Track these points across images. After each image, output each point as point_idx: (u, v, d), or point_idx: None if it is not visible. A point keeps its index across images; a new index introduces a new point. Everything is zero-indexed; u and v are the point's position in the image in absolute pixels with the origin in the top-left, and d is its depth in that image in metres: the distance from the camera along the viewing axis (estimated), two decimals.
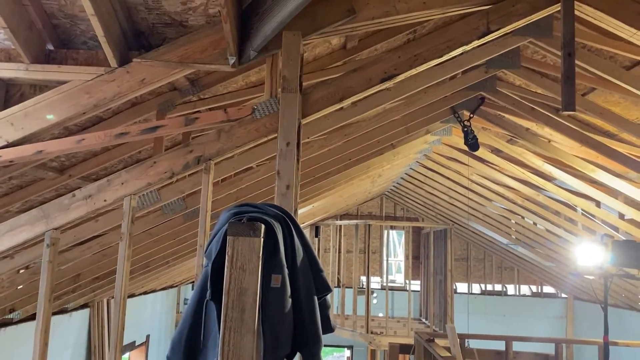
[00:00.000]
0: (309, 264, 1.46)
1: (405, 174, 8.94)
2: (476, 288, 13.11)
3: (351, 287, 10.99)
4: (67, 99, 2.59)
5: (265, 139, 2.60)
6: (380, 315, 11.27)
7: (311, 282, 1.44)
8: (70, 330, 6.45)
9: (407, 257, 12.91)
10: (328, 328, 1.52)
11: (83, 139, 2.57)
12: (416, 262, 12.79)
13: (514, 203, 7.51)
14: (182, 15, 2.60)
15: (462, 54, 2.87)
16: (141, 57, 2.60)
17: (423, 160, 7.49)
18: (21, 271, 4.17)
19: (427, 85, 3.27)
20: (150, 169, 2.56)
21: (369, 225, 9.93)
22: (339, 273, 12.29)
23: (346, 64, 3.64)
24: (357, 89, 2.57)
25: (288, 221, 1.43)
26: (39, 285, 4.68)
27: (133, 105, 3.14)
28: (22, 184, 3.59)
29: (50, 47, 2.77)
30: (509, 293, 12.98)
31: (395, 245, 14.54)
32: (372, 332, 9.33)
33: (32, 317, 5.56)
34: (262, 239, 1.22)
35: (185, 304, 11.75)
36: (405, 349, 4.78)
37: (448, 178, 7.84)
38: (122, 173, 2.57)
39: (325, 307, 1.52)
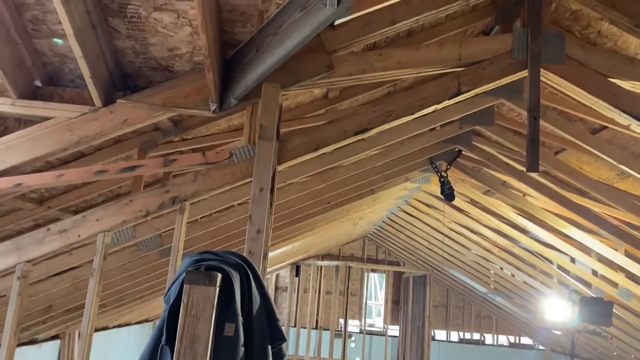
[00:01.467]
0: (266, 312, 1.51)
1: (387, 217, 9.04)
2: (454, 336, 13.05)
3: (329, 329, 10.92)
4: (50, 134, 2.66)
5: (241, 182, 2.67)
6: (357, 359, 11.16)
7: (266, 331, 1.49)
8: None
9: (386, 301, 12.86)
10: None
11: (62, 174, 2.63)
12: (396, 306, 12.74)
13: (491, 252, 7.61)
14: (169, 60, 2.71)
15: (434, 111, 3.00)
16: (125, 99, 2.69)
17: (404, 205, 7.60)
18: None
19: (402, 138, 3.40)
20: (127, 207, 2.62)
21: (350, 267, 9.95)
22: (317, 314, 12.20)
23: (327, 113, 3.77)
24: (332, 139, 2.67)
25: (247, 269, 1.49)
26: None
27: (116, 142, 3.22)
28: (0, 213, 3.61)
29: (38, 83, 2.86)
30: (486, 342, 12.93)
31: (377, 288, 14.51)
32: None
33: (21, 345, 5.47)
34: (217, 288, 1.28)
35: None
36: None
37: (427, 224, 7.94)
38: (98, 210, 2.62)
39: (280, 357, 1.56)
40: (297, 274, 11.93)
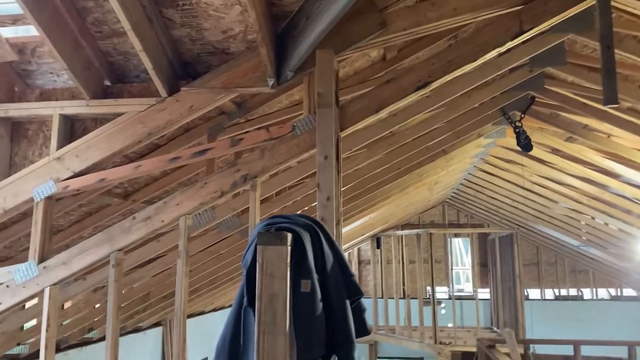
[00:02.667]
0: (340, 269, 1.53)
1: (464, 179, 8.81)
2: (549, 293, 12.59)
3: (416, 298, 10.89)
4: (124, 129, 2.80)
5: (307, 154, 2.70)
6: (449, 325, 11.06)
7: (342, 287, 1.51)
8: (145, 348, 6.78)
9: (473, 265, 12.59)
10: (363, 331, 1.58)
11: (140, 165, 2.77)
12: (483, 269, 12.45)
13: (580, 202, 7.22)
14: (224, 43, 2.77)
15: (499, 55, 2.87)
16: (188, 86, 2.78)
17: (480, 164, 7.36)
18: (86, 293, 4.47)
19: (468, 89, 3.28)
20: (202, 190, 2.72)
21: (431, 233, 9.81)
22: (403, 284, 12.17)
23: (388, 75, 3.71)
24: (392, 98, 2.63)
25: (317, 230, 1.51)
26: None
27: (186, 130, 3.34)
28: (91, 211, 3.87)
29: (107, 82, 3.01)
30: (585, 297, 12.38)
31: (461, 253, 14.24)
32: (440, 343, 9.17)
33: None
34: (288, 247, 1.30)
35: None
36: (467, 356, 4.69)
37: (508, 181, 7.65)
38: (177, 195, 2.75)
39: (360, 311, 1.58)
40: (378, 246, 11.94)
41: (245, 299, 1.39)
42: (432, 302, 9.43)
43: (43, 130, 3.01)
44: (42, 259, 2.79)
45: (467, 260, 13.76)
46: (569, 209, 8.21)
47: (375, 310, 11.40)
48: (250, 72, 2.72)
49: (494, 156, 6.74)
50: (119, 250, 2.74)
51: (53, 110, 2.89)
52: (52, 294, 2.74)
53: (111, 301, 2.70)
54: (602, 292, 12.37)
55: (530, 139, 4.56)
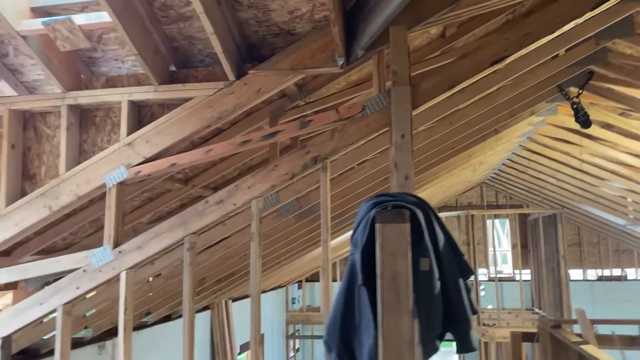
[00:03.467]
0: (451, 248, 1.50)
1: (507, 159, 8.65)
2: (591, 274, 12.36)
3: None
4: (193, 114, 2.81)
5: (376, 134, 2.67)
6: (490, 307, 10.97)
7: (454, 266, 1.49)
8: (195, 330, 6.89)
9: (514, 246, 12.43)
10: (473, 310, 1.56)
11: (211, 150, 2.78)
12: (524, 250, 12.28)
13: (631, 180, 7.02)
14: (290, 24, 2.74)
15: (573, 27, 2.77)
16: (256, 69, 2.77)
17: (526, 142, 7.21)
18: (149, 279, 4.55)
19: (535, 64, 3.19)
20: (273, 172, 2.72)
21: (472, 215, 9.71)
22: None
23: (444, 53, 3.63)
24: (466, 74, 2.57)
25: (426, 208, 1.49)
26: (170, 289, 5.08)
27: (248, 114, 3.34)
28: (152, 197, 3.92)
29: (173, 68, 3.02)
30: (629, 277, 12.12)
31: (500, 234, 14.06)
32: (484, 324, 9.12)
33: (164, 320, 6.04)
34: (408, 224, 1.28)
35: (293, 302, 12.13)
36: (528, 337, 4.65)
37: (555, 160, 7.49)
38: (248, 178, 2.75)
39: (467, 290, 1.56)
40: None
41: (359, 277, 1.38)
42: (475, 284, 9.37)
43: (110, 117, 3.04)
44: (116, 244, 2.84)
45: (506, 241, 13.59)
46: (620, 187, 7.99)
47: None
48: (318, 53, 2.69)
49: (541, 134, 6.59)
50: (193, 233, 2.76)
51: (121, 96, 2.92)
52: (128, 278, 2.79)
53: (187, 283, 2.74)
54: None
55: (588, 115, 4.43)
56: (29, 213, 2.93)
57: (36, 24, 2.66)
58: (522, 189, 11.02)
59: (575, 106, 4.44)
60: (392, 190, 2.52)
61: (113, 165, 2.88)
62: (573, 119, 4.89)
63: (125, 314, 2.76)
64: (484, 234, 12.76)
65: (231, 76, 2.79)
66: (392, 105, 2.41)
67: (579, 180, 7.78)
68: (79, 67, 3.08)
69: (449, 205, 13.03)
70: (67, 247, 3.97)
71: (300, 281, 11.88)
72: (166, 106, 3.00)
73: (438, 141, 4.43)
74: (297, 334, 12.11)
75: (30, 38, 2.72)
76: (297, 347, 12.27)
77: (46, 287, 2.88)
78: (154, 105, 3.02)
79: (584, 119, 4.40)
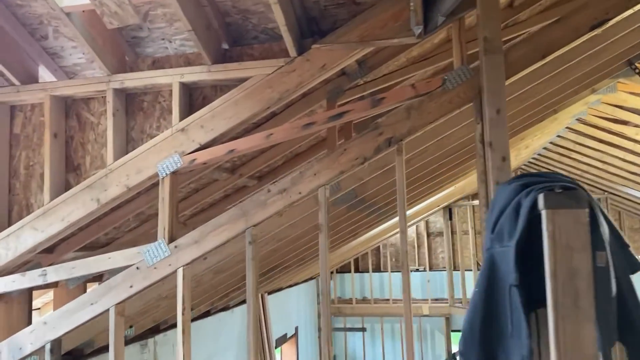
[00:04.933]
0: (615, 239, 1.24)
1: (550, 142, 8.27)
2: None
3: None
4: (251, 95, 2.56)
5: (458, 110, 2.39)
6: None
7: (622, 260, 1.22)
8: (233, 326, 6.73)
9: None
10: None
11: (272, 134, 2.53)
12: None
13: None
14: None
15: None
16: (319, 43, 2.50)
17: (574, 124, 6.84)
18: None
19: (625, 32, 2.87)
20: (342, 157, 2.46)
21: None
22: (476, 256, 11.80)
23: (508, 27, 3.34)
24: (563, 41, 2.28)
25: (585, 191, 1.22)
26: (215, 284, 4.87)
27: (304, 96, 3.08)
28: (198, 187, 3.70)
29: (225, 46, 2.77)
30: None
31: None
32: None
33: (204, 315, 5.86)
34: (587, 210, 1.01)
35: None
36: None
37: (603, 141, 7.10)
38: (314, 163, 2.50)
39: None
40: (451, 217, 11.57)
41: (512, 276, 1.11)
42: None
43: (159, 101, 2.81)
44: (172, 238, 2.61)
45: None
46: None
47: (451, 282, 11.10)
48: (390, 22, 2.42)
49: (594, 115, 6.23)
50: (255, 225, 2.52)
51: (172, 78, 2.68)
52: (186, 275, 2.56)
53: (250, 279, 2.50)
54: None
55: None
56: (76, 207, 2.72)
57: None
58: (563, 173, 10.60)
59: None
60: (484, 174, 2.24)
61: (165, 153, 2.64)
62: (629, 97, 4.55)
63: (183, 314, 2.54)
64: None
65: (292, 52, 2.53)
66: (485, 76, 2.13)
67: (629, 162, 7.39)
68: (124, 48, 2.85)
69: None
70: (109, 243, 3.77)
71: (332, 272, 11.66)
72: (220, 88, 2.76)
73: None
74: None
75: (73, 15, 2.49)
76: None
77: (97, 286, 2.66)
78: (206, 88, 2.78)
79: None
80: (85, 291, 3.49)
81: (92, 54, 2.62)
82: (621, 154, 7.12)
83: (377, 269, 11.86)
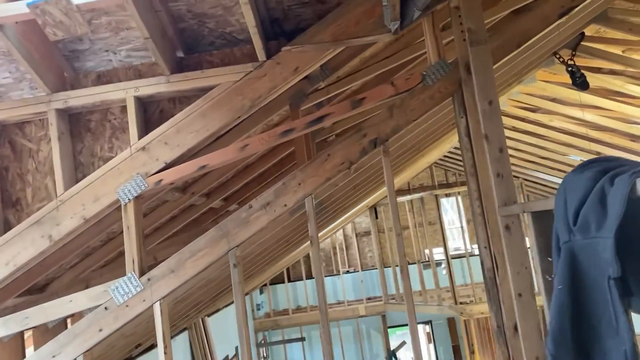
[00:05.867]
0: None
1: None
2: None
3: (415, 263, 10.82)
4: (220, 104, 2.36)
5: (440, 105, 2.35)
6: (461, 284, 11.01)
7: None
8: (177, 353, 6.34)
9: (468, 222, 12.60)
10: None
11: (246, 145, 2.34)
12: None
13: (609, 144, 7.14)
14: None
15: None
16: (291, 45, 2.36)
17: None
18: None
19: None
20: (326, 163, 2.33)
21: (436, 195, 9.66)
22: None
23: None
24: (534, 30, 2.31)
25: None
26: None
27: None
28: (146, 211, 3.39)
29: (180, 54, 2.55)
30: None
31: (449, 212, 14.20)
32: (461, 303, 9.11)
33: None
34: None
35: (258, 309, 11.62)
36: None
37: (514, 129, 7.50)
38: (297, 173, 2.34)
39: None
40: (377, 216, 11.76)
41: (613, 269, 1.05)
42: (447, 263, 9.36)
43: (109, 119, 2.52)
44: (142, 271, 2.34)
45: (455, 218, 13.75)
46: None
47: (383, 280, 11.25)
48: (363, 19, 2.33)
49: (513, 106, 6.56)
50: (238, 246, 2.32)
51: (125, 92, 2.41)
52: (164, 309, 2.30)
53: (239, 303, 2.29)
54: None
55: (585, 76, 4.35)
56: (23, 247, 2.35)
57: (16, 8, 2.10)
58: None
59: (570, 69, 4.34)
60: (473, 167, 2.21)
61: (125, 176, 2.37)
62: (545, 86, 4.83)
63: (165, 352, 2.27)
64: (438, 213, 12.81)
65: (262, 56, 2.37)
66: (474, 68, 2.10)
67: (541, 148, 7.88)
68: (61, 64, 2.53)
69: (401, 190, 12.99)
70: (48, 283, 3.35)
71: (265, 285, 11.41)
72: (179, 100, 2.52)
73: (432, 117, 4.16)
74: (262, 341, 11.60)
75: (6, 27, 2.16)
76: (265, 355, 11.77)
77: (59, 335, 2.32)
78: (163, 101, 2.53)
79: (581, 81, 4.31)
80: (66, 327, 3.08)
81: (29, 70, 2.29)
82: (534, 140, 7.56)
83: (309, 275, 11.77)
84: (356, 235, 12.78)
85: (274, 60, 2.37)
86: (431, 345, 12.66)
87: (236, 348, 9.35)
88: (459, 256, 12.21)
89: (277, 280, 11.68)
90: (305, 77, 2.93)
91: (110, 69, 2.57)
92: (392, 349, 11.00)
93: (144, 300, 2.31)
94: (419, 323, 12.59)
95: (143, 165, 2.36)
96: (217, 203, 4.16)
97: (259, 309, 11.62)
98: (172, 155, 2.36)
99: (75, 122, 2.53)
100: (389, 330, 11.51)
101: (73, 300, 2.34)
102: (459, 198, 13.04)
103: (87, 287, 3.07)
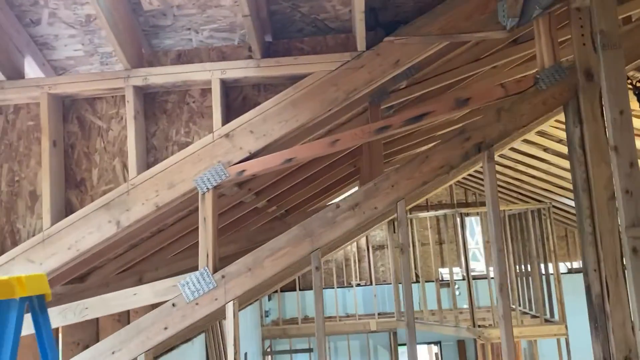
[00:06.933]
0: None
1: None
2: (562, 267, 12.53)
3: (432, 281, 10.60)
4: (312, 94, 2.19)
5: (551, 112, 2.17)
6: (466, 306, 10.79)
7: None
8: (193, 356, 6.15)
9: (487, 243, 12.37)
10: None
11: (338, 140, 2.16)
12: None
13: None
14: None
15: None
16: (394, 35, 2.19)
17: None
18: None
19: None
20: (423, 166, 2.15)
21: (462, 214, 9.45)
22: (415, 268, 11.86)
23: None
24: None
25: None
26: None
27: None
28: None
29: (268, 38, 2.38)
30: None
31: (474, 231, 13.99)
32: (479, 326, 8.87)
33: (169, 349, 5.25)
34: None
35: (266, 316, 11.37)
36: None
37: (530, 155, 7.34)
38: (391, 174, 2.16)
39: None
40: (395, 230, 11.55)
41: None
42: (468, 283, 9.12)
43: (187, 102, 2.35)
44: (216, 267, 2.15)
45: (479, 238, 13.53)
46: None
47: (397, 296, 11.00)
48: (476, 14, 2.16)
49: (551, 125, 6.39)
50: (321, 247, 2.13)
51: (211, 74, 2.24)
52: (236, 311, 2.11)
53: (319, 310, 2.10)
54: None
55: None
56: (88, 231, 2.17)
57: None
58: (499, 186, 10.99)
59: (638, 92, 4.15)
60: (587, 183, 2.03)
61: (205, 163, 2.19)
62: None
63: (235, 359, 2.08)
64: (455, 232, 12.60)
65: (362, 45, 2.19)
66: (605, 74, 1.92)
67: (555, 176, 7.72)
68: (140, 40, 2.37)
69: (419, 206, 12.78)
70: (89, 273, 3.16)
71: (276, 291, 11.18)
72: (263, 87, 2.35)
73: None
74: (269, 349, 11.35)
75: None
76: None
77: (121, 330, 2.13)
78: (246, 87, 2.36)
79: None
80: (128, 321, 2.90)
81: (113, 42, 2.13)
82: (548, 167, 7.40)
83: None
84: (370, 249, 12.56)
85: (373, 51, 2.20)
86: None
87: (245, 354, 9.12)
88: (480, 277, 12.00)
89: (287, 287, 11.45)
90: None
91: (190, 49, 2.40)
92: None
93: (216, 299, 2.12)
94: (428, 343, 12.33)
95: (225, 154, 2.18)
96: (262, 204, 3.98)
97: (267, 316, 11.38)
98: (257, 145, 2.18)
99: (150, 102, 2.36)
100: (398, 347, 11.25)
101: (138, 293, 2.15)
102: (477, 219, 12.86)
103: (140, 280, 2.89)
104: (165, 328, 2.12)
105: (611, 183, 2.00)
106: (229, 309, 2.11)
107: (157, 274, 2.89)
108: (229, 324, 2.09)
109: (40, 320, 1.22)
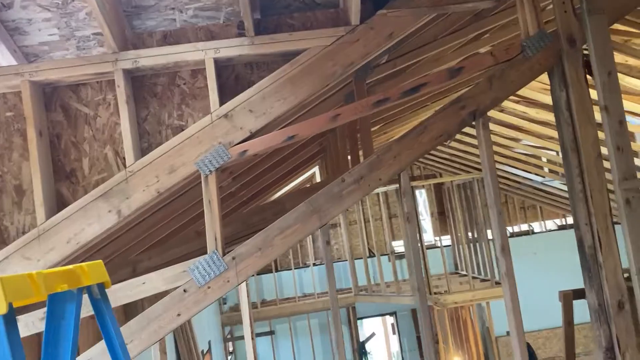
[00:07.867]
0: None
1: None
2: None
3: (386, 254, 10.89)
4: (309, 70, 2.19)
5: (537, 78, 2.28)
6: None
7: None
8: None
9: (432, 215, 12.80)
10: None
11: (338, 114, 2.18)
12: (442, 217, 12.69)
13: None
14: None
15: None
16: (387, 8, 2.22)
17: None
18: None
19: None
20: (422, 136, 2.21)
21: (412, 187, 9.71)
22: (369, 243, 12.11)
23: None
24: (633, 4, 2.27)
25: None
26: None
27: None
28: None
29: (257, 15, 2.35)
30: (535, 231, 13.13)
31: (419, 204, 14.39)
32: (435, 293, 9.20)
33: None
34: None
35: (224, 303, 11.29)
36: (578, 294, 4.59)
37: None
38: (393, 146, 2.20)
39: None
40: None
41: None
42: (422, 253, 9.42)
43: (177, 84, 2.28)
44: (224, 249, 2.13)
45: (424, 211, 13.95)
46: (532, 146, 8.52)
47: (354, 272, 11.20)
48: None
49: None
50: (327, 222, 2.16)
51: (204, 53, 2.19)
52: (249, 291, 2.11)
53: (332, 283, 2.13)
54: (550, 224, 13.19)
55: None
56: (87, 223, 2.09)
57: None
58: (434, 160, 11.39)
59: None
60: (574, 142, 2.16)
61: (205, 145, 2.15)
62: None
63: (252, 338, 2.08)
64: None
65: (355, 19, 2.21)
66: (592, 38, 2.04)
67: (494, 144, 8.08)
68: (123, 21, 2.27)
69: None
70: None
71: None
72: (255, 65, 2.32)
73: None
74: (229, 336, 11.30)
75: None
76: (231, 350, 11.48)
77: (130, 321, 2.08)
78: (237, 65, 2.32)
79: None
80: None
81: (101, 23, 2.03)
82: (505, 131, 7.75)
83: (275, 268, 11.57)
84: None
85: (367, 25, 2.22)
86: (395, 337, 12.78)
87: (209, 342, 9.05)
88: (429, 247, 12.41)
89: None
90: None
91: (175, 29, 2.33)
92: (361, 340, 11.00)
93: (227, 281, 2.11)
94: (384, 314, 12.65)
95: (226, 135, 2.15)
96: (236, 188, 3.94)
97: (224, 303, 11.30)
98: (257, 124, 2.16)
99: (138, 86, 2.28)
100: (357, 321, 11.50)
101: (147, 282, 2.10)
102: (422, 191, 13.28)
103: (134, 271, 2.81)
104: (179, 315, 2.09)
105: (597, 142, 2.14)
106: (243, 291, 2.10)
107: (150, 263, 2.81)
108: (244, 310, 2.09)
109: (104, 308, 1.18)
